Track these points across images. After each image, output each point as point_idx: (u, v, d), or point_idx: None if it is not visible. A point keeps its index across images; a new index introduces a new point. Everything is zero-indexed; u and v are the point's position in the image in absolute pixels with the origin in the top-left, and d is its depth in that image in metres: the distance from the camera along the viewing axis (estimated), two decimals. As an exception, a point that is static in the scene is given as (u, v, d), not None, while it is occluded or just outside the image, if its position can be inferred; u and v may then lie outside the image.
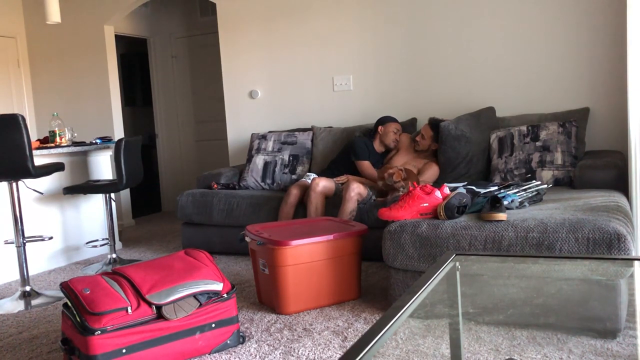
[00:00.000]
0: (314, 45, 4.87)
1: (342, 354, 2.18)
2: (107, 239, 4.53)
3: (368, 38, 4.66)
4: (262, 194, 4.17)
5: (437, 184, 3.86)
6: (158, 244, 4.95)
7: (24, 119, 3.27)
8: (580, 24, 3.94)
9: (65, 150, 4.09)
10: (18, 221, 3.47)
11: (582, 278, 2.11)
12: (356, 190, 3.66)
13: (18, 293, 3.42)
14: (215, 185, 4.42)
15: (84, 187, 4.05)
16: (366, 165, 4.08)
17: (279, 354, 2.40)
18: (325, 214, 3.81)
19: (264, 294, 3.04)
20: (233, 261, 4.11)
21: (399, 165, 4.01)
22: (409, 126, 4.37)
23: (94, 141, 4.46)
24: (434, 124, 4.00)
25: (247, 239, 3.07)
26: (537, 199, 2.94)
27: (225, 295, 2.44)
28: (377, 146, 4.21)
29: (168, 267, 2.44)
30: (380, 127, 4.21)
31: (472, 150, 3.90)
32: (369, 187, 3.82)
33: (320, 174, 4.28)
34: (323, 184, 3.82)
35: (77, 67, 5.99)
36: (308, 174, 4.29)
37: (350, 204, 3.64)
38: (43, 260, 4.21)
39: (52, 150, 3.98)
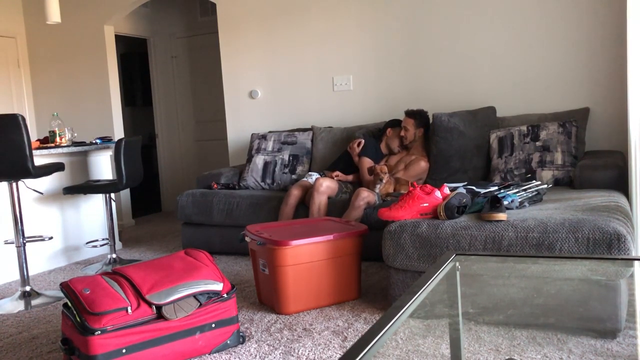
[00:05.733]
0: (314, 45, 4.87)
1: (342, 354, 2.18)
2: (107, 239, 4.52)
3: (368, 38, 4.66)
4: (262, 194, 4.17)
5: (435, 182, 3.87)
6: (158, 244, 4.95)
7: (24, 119, 3.27)
8: (581, 24, 3.94)
9: (65, 150, 4.09)
10: (18, 221, 3.47)
11: (582, 278, 2.11)
12: (366, 199, 3.65)
13: (18, 293, 3.42)
14: (215, 185, 4.42)
15: (83, 187, 4.05)
16: (367, 162, 4.11)
17: (279, 354, 2.40)
18: (327, 214, 3.81)
19: (264, 294, 3.04)
20: (233, 261, 4.11)
21: (392, 164, 4.08)
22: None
23: (94, 141, 4.46)
24: (410, 112, 4.10)
25: (247, 239, 3.07)
26: (537, 199, 2.94)
27: (225, 295, 2.44)
28: (383, 147, 4.24)
29: (168, 267, 2.44)
30: (389, 130, 4.22)
31: (466, 145, 3.92)
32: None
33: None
34: (327, 185, 3.83)
35: (77, 67, 5.99)
36: (310, 173, 4.28)
37: (357, 212, 3.64)
38: (43, 260, 4.21)
39: (52, 150, 3.98)
